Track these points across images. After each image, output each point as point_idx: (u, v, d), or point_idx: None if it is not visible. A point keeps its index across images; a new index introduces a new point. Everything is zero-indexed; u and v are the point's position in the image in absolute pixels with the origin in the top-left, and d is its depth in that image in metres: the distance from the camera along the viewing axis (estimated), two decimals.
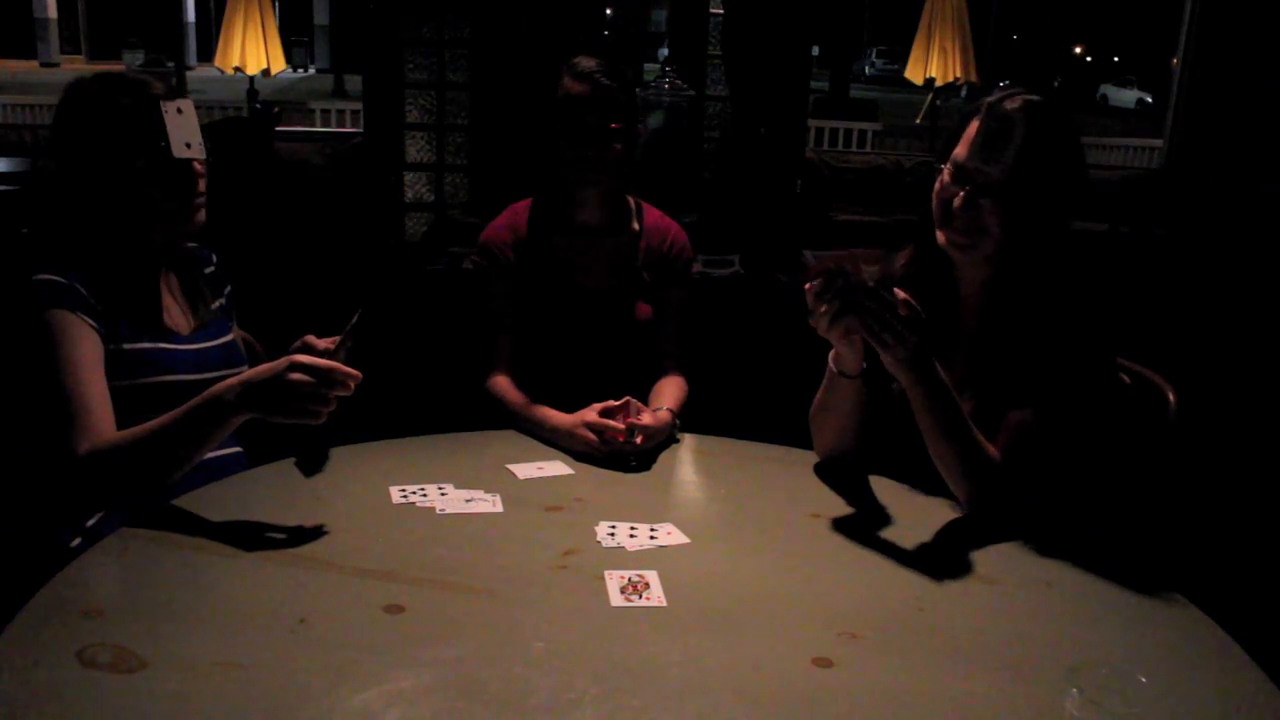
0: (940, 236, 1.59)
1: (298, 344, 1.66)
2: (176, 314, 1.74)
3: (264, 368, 1.46)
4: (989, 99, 1.57)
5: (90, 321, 1.56)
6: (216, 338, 1.76)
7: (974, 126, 1.54)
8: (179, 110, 1.63)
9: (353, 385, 1.44)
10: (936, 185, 1.59)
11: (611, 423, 1.71)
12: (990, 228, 1.53)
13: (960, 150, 1.55)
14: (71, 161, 1.65)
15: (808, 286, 1.44)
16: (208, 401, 1.46)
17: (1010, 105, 1.52)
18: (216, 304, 1.82)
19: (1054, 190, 1.54)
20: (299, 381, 1.41)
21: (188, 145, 1.63)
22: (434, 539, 1.41)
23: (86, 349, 1.54)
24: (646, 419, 1.72)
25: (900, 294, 1.43)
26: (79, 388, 1.51)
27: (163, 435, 1.47)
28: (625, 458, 1.69)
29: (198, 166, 1.67)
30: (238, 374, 1.65)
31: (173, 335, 1.69)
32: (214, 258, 1.87)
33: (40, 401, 1.51)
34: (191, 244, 1.83)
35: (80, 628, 1.13)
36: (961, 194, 1.53)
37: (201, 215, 1.70)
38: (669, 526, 1.45)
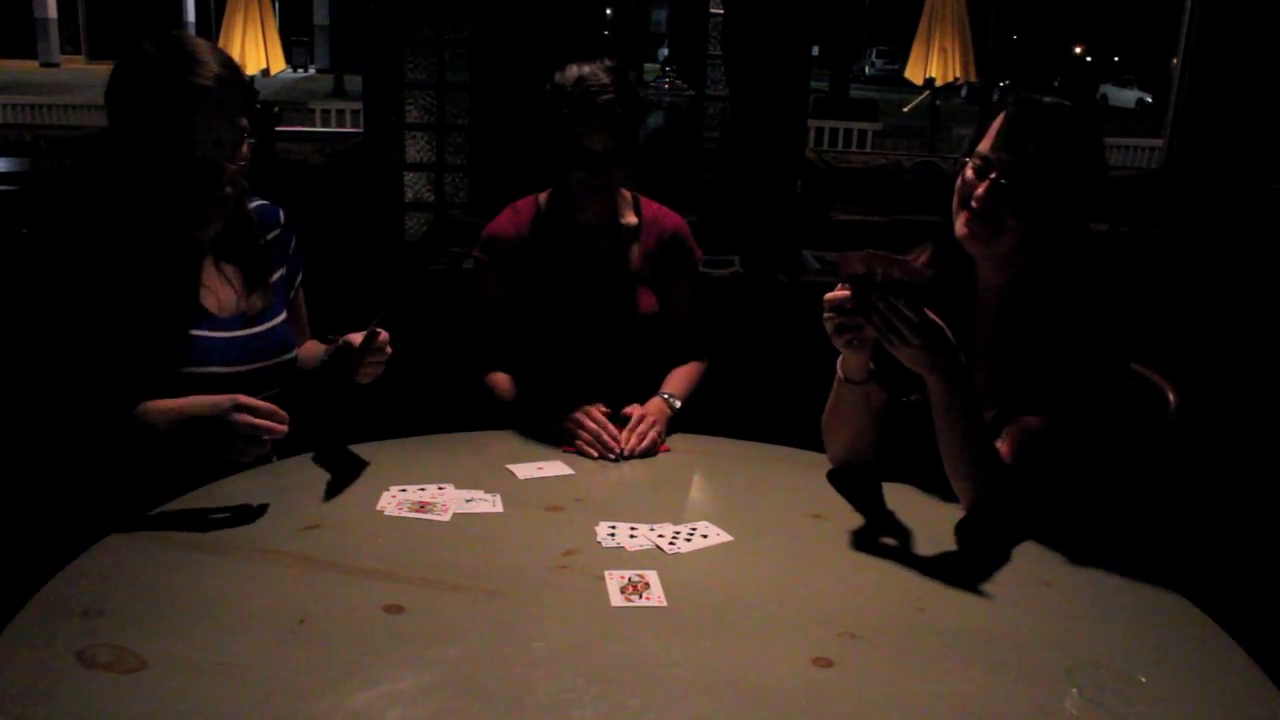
0: (960, 229, 1.57)
1: (341, 342, 1.69)
2: (221, 292, 1.66)
3: (204, 401, 1.47)
4: (1014, 94, 1.57)
5: (99, 301, 1.53)
6: (263, 322, 1.69)
7: (999, 120, 1.54)
8: (219, 102, 1.52)
9: (285, 430, 1.47)
10: (959, 180, 1.58)
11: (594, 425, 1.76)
12: (1010, 219, 1.52)
13: (985, 144, 1.55)
14: (111, 130, 1.56)
15: (827, 297, 1.44)
16: (136, 426, 1.48)
17: (1035, 99, 1.53)
18: (276, 275, 1.74)
19: (1075, 190, 1.53)
20: (241, 422, 1.44)
21: (217, 143, 1.53)
22: (434, 539, 1.41)
23: (84, 320, 1.52)
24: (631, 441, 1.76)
25: (917, 261, 1.39)
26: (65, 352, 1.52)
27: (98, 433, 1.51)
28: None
29: (230, 166, 1.56)
30: (278, 361, 1.69)
31: (210, 319, 1.63)
32: (281, 217, 1.78)
33: (32, 354, 1.53)
34: (261, 201, 1.75)
35: (80, 628, 1.13)
36: (984, 184, 1.53)
37: (219, 220, 1.63)
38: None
